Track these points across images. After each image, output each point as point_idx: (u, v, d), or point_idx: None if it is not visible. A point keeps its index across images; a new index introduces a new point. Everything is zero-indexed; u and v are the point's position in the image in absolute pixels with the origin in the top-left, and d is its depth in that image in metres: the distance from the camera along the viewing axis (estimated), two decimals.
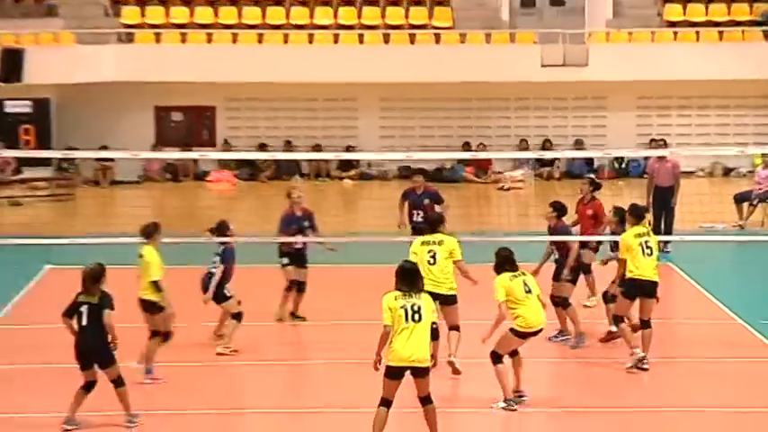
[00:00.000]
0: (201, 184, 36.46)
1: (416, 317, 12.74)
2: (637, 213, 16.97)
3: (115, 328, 13.98)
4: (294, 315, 18.99)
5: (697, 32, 37.09)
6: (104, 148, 34.74)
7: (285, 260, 18.92)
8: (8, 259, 23.35)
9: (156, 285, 15.80)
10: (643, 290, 16.27)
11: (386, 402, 12.89)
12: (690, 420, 14.42)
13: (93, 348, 13.95)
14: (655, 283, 16.31)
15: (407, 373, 12.87)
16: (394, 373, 12.83)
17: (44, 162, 34.69)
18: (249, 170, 36.73)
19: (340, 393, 15.28)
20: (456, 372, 15.81)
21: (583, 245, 18.41)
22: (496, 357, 14.60)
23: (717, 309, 19.64)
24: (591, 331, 17.54)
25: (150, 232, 16.25)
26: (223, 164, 36.76)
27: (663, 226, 24.81)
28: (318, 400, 15.09)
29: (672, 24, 37.60)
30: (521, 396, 14.67)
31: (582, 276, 18.57)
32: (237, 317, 17.27)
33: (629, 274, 16.27)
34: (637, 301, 16.33)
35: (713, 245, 23.37)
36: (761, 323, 17.18)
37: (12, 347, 17.76)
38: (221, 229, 17.85)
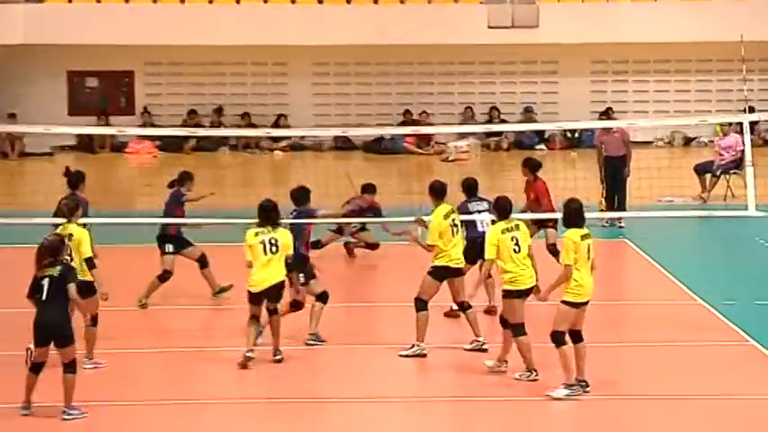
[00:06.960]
0: (120, 155, 36.21)
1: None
2: (433, 189, 16.26)
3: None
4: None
5: None
6: (12, 116, 34.60)
7: None
8: None
9: (88, 263, 15.28)
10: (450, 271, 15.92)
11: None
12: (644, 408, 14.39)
13: (54, 324, 13.53)
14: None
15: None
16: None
17: None
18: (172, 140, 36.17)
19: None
20: None
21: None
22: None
23: (676, 288, 19.43)
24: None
25: (72, 209, 15.78)
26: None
27: (616, 199, 24.85)
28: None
29: None
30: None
31: None
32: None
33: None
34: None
35: (672, 220, 23.37)
36: (723, 304, 17.04)
37: None
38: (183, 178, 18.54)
